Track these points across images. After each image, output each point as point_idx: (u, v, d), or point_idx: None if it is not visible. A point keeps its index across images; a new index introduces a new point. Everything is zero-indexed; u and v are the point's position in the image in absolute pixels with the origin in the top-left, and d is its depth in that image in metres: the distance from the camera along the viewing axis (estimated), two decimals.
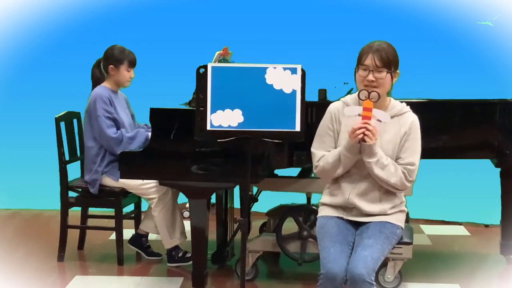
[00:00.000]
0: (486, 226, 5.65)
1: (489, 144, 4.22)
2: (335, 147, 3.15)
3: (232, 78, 3.05)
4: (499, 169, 4.40)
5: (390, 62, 3.07)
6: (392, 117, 3.10)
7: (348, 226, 3.14)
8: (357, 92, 3.09)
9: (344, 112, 3.10)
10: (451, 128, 4.19)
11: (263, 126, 3.02)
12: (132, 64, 4.54)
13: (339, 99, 3.25)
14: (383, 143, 3.09)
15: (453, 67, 5.64)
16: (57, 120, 4.56)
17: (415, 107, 3.25)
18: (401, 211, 3.18)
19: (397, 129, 3.12)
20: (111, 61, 4.51)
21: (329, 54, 5.65)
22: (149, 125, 4.45)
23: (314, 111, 3.88)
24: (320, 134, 3.21)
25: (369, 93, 3.01)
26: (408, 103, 3.24)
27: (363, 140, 2.99)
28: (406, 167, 3.08)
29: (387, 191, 3.13)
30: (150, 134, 4.16)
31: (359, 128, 2.98)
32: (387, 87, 3.10)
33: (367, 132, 2.97)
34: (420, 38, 5.66)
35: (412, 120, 3.14)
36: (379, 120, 3.00)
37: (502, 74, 5.51)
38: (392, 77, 3.10)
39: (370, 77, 3.06)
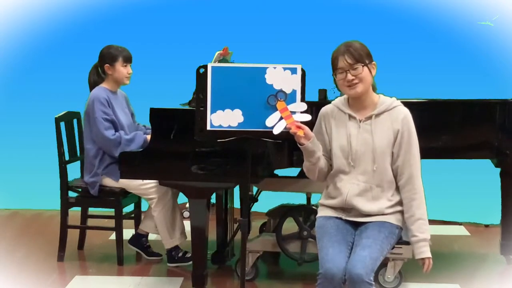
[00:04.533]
0: (486, 226, 5.64)
1: (489, 144, 4.22)
2: (326, 149, 3.17)
3: (232, 78, 3.05)
4: (499, 169, 4.40)
5: (361, 56, 3.07)
6: (382, 113, 3.11)
7: (347, 226, 3.14)
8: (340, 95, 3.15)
9: (267, 125, 3.03)
10: (451, 128, 4.19)
11: (263, 126, 3.02)
12: (127, 59, 4.53)
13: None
14: (376, 140, 3.08)
15: (453, 67, 5.64)
16: (57, 120, 4.56)
17: (415, 107, 3.25)
18: (400, 211, 3.16)
19: (389, 123, 3.10)
20: (106, 61, 4.51)
21: (329, 54, 5.63)
22: (148, 126, 4.45)
23: (314, 111, 3.87)
24: None
25: (276, 96, 3.01)
26: (408, 103, 3.23)
27: (299, 140, 3.00)
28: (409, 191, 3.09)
29: (384, 189, 3.12)
30: (148, 136, 4.16)
31: (292, 129, 2.98)
32: (369, 80, 3.09)
33: (298, 125, 2.98)
34: (420, 38, 5.65)
35: (403, 116, 3.10)
36: (295, 111, 2.99)
37: (502, 74, 5.50)
38: (369, 70, 3.08)
39: (349, 77, 3.06)
